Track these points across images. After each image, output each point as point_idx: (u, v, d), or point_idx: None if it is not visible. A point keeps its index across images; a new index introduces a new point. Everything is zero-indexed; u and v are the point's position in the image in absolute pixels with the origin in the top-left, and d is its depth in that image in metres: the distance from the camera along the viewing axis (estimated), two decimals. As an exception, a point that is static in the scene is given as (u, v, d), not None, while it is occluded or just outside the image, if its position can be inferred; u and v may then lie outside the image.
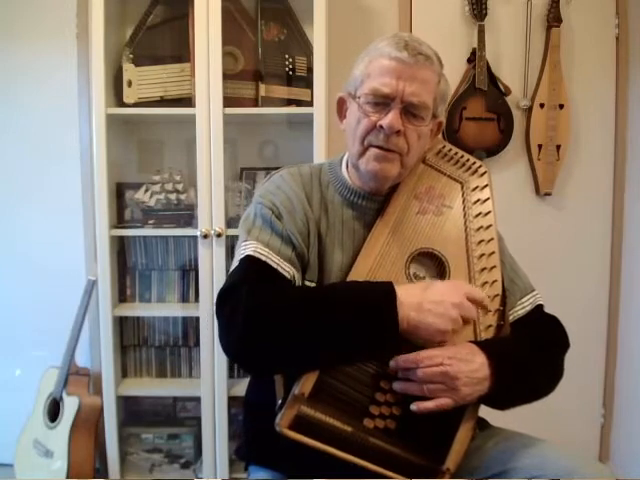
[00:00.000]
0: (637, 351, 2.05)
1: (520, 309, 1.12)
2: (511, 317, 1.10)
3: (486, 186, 1.13)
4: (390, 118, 0.99)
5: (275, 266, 0.99)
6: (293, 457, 1.00)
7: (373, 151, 1.03)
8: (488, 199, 1.12)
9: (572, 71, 2.10)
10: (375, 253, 1.03)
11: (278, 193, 1.07)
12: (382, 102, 1.00)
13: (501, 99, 2.07)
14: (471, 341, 0.99)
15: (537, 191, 2.15)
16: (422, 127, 1.03)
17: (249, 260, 1.00)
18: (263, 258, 0.99)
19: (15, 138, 2.13)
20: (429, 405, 0.92)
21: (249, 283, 0.97)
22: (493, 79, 2.06)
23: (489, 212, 1.11)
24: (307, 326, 0.92)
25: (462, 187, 1.13)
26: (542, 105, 2.07)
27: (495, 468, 1.00)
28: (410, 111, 1.00)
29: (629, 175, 2.12)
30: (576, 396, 2.17)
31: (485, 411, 1.20)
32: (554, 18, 2.04)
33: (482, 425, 1.16)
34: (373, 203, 1.10)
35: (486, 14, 2.04)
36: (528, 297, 1.13)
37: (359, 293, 0.96)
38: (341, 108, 1.12)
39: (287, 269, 1.00)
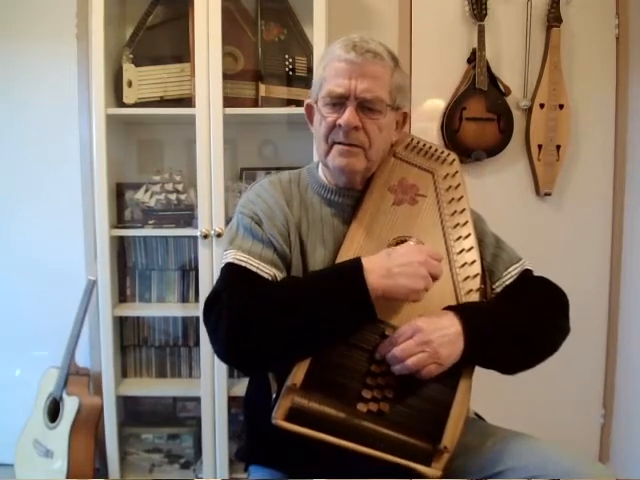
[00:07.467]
0: (637, 351, 2.05)
1: (508, 278, 1.15)
2: (500, 288, 1.14)
3: (456, 172, 1.19)
4: (346, 115, 1.04)
5: (254, 269, 1.03)
6: (293, 457, 1.01)
7: (337, 147, 1.08)
8: (459, 185, 1.17)
9: (572, 71, 2.10)
10: (355, 245, 1.07)
11: (258, 201, 1.12)
12: (338, 102, 1.06)
13: (501, 99, 2.07)
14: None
15: (537, 191, 2.15)
16: (380, 120, 1.07)
17: (229, 267, 1.05)
18: (242, 264, 1.04)
19: (15, 138, 2.13)
20: (407, 363, 0.94)
21: (229, 288, 1.01)
22: (493, 79, 2.06)
23: (461, 197, 1.16)
24: (287, 315, 0.95)
25: (433, 176, 1.17)
26: (542, 105, 2.07)
27: (495, 468, 1.00)
28: (366, 106, 1.05)
29: (629, 175, 2.12)
30: (576, 396, 2.17)
31: (485, 410, 1.20)
32: (554, 18, 2.05)
33: (480, 422, 1.16)
34: (350, 199, 1.14)
35: (486, 14, 2.04)
36: (515, 266, 1.17)
37: (329, 274, 1.02)
38: (310, 114, 1.18)
39: (267, 271, 1.04)
